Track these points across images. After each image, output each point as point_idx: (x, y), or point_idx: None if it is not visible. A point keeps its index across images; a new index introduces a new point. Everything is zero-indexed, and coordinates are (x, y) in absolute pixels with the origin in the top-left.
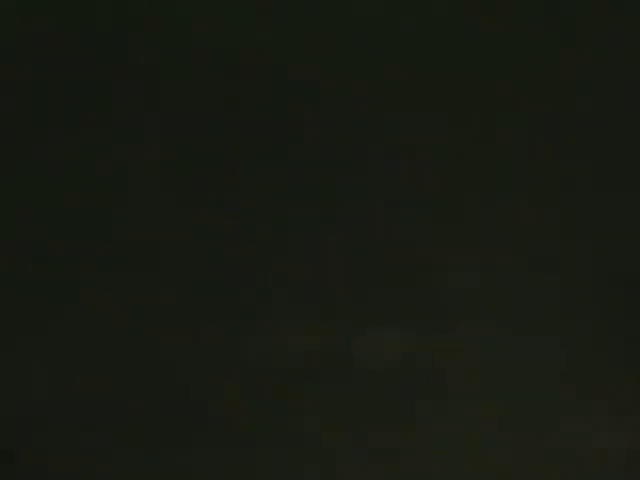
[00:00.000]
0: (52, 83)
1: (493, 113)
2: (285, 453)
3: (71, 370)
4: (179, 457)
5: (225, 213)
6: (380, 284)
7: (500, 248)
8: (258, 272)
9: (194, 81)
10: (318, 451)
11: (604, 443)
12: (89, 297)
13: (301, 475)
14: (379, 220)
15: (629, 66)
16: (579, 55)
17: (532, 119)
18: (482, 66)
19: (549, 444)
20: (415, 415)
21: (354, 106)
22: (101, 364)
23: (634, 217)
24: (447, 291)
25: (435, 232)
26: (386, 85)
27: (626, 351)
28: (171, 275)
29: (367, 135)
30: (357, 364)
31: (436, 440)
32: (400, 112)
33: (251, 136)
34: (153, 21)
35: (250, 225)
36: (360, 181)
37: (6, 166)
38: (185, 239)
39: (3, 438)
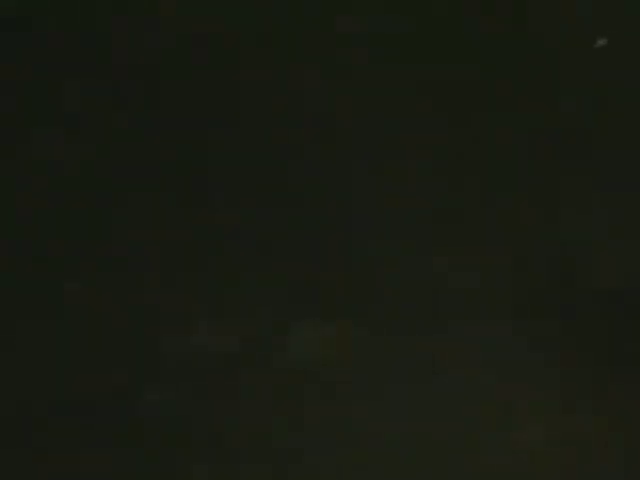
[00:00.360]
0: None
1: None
2: (199, 453)
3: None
4: (96, 453)
5: (148, 211)
6: (304, 282)
7: (428, 246)
8: (184, 270)
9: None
10: (233, 451)
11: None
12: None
13: (206, 475)
14: (308, 218)
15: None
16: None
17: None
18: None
19: (473, 448)
20: (325, 415)
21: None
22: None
23: (548, 225)
24: (374, 289)
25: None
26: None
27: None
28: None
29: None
30: (278, 363)
31: (348, 442)
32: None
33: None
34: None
35: (175, 223)
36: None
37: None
38: (102, 239)
39: None
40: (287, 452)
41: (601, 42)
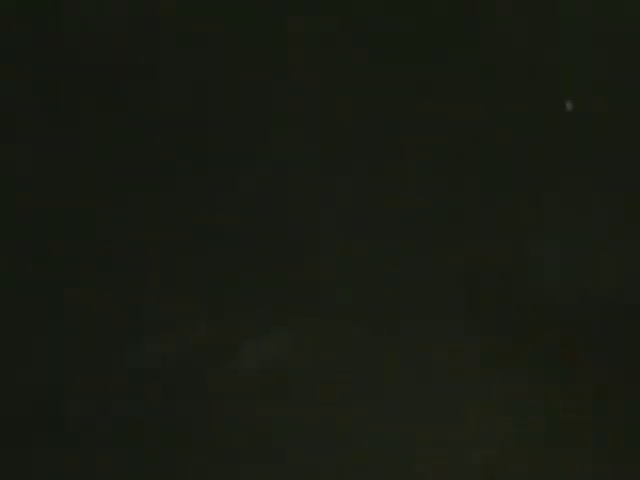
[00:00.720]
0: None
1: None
2: (143, 459)
3: None
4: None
5: (100, 215)
6: (255, 286)
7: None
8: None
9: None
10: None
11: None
12: None
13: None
14: (251, 221)
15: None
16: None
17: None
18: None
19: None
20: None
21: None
22: None
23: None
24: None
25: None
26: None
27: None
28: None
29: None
30: (227, 368)
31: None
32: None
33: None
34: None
35: (126, 227)
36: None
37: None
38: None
39: None
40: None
41: (569, 106)
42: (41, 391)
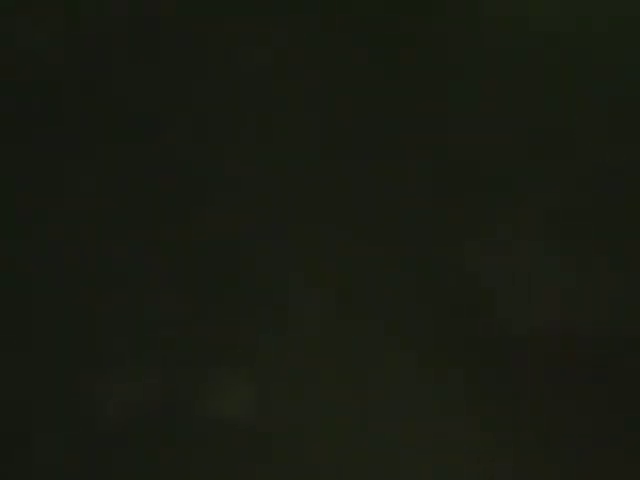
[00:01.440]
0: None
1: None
2: None
3: None
4: None
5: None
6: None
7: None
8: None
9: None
10: None
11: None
12: None
13: None
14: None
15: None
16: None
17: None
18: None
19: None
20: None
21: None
22: None
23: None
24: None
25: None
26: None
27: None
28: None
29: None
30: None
31: None
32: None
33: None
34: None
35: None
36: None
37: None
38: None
39: None
40: None
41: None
42: (8, 433)
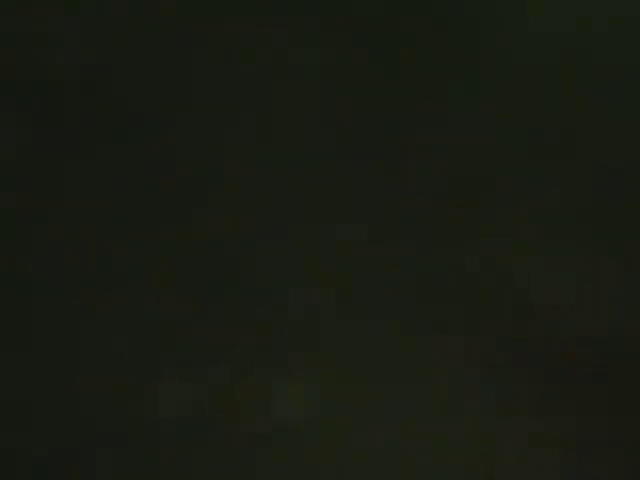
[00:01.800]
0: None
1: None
2: None
3: None
4: None
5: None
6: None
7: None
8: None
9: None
10: None
11: None
12: None
13: None
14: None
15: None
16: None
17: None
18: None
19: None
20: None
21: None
22: None
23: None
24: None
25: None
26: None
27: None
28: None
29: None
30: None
31: None
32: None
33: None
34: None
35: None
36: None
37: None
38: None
39: None
40: None
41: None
42: (55, 441)
